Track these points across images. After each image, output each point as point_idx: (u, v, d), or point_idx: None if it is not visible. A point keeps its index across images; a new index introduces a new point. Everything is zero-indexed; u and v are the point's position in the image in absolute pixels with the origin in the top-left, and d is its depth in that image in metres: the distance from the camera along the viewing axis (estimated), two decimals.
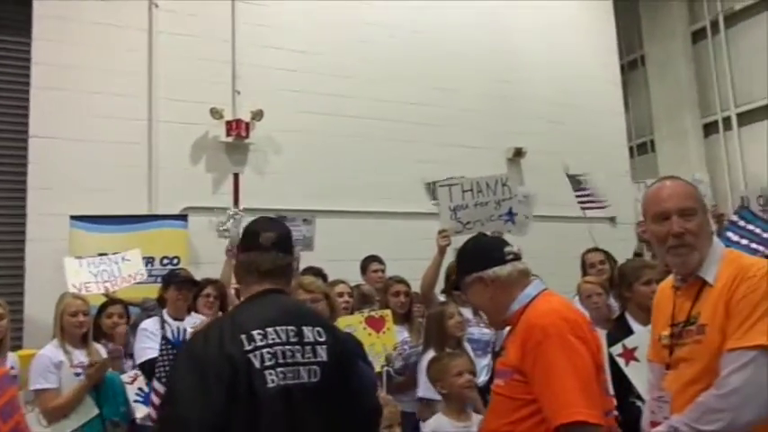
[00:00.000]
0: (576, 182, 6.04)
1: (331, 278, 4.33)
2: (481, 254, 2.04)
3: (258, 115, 6.12)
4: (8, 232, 5.31)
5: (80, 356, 3.42)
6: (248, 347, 1.66)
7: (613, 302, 3.71)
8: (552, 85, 7.76)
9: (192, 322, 3.82)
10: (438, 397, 3.00)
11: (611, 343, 2.69)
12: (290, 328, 1.75)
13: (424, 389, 3.33)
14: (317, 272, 4.32)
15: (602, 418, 1.72)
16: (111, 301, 4.17)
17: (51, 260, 4.55)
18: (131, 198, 5.59)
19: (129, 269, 4.53)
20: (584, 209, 6.02)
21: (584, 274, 4.52)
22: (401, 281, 4.16)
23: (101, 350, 3.60)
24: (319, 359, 1.77)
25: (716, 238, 1.91)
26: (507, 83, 7.55)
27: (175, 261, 5.12)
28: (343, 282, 4.09)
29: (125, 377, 3.53)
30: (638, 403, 2.41)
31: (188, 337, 3.18)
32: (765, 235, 4.23)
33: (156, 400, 2.94)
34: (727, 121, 8.82)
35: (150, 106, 5.89)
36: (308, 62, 6.49)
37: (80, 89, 5.61)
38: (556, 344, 1.75)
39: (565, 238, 6.35)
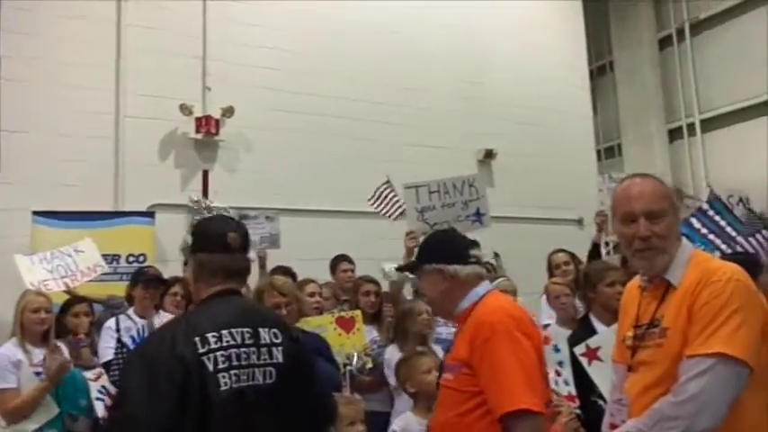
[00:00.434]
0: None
1: (300, 277, 4.31)
2: (448, 249, 2.12)
3: (228, 112, 6.05)
4: None
5: (40, 355, 3.32)
6: (202, 350, 1.65)
7: (578, 303, 3.78)
8: (523, 87, 7.85)
9: (161, 321, 3.77)
10: None
11: (574, 343, 2.74)
12: (245, 329, 1.75)
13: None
14: (286, 271, 4.30)
15: (543, 407, 1.83)
16: (75, 299, 4.08)
17: (12, 257, 4.42)
18: (97, 194, 5.47)
19: (86, 261, 4.40)
20: None
21: (551, 274, 4.60)
22: (371, 280, 4.18)
23: (63, 349, 3.51)
24: (275, 361, 1.77)
25: (684, 239, 1.86)
26: (478, 84, 7.61)
27: (141, 258, 5.04)
28: (313, 281, 4.08)
29: (89, 374, 3.46)
30: (600, 402, 2.44)
31: None
32: (729, 229, 4.13)
33: (108, 402, 2.91)
34: (691, 126, 9.05)
35: (118, 100, 5.78)
36: (279, 60, 6.44)
37: (47, 82, 5.48)
38: (503, 339, 1.86)
39: (531, 238, 6.45)
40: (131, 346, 3.65)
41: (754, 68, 7.90)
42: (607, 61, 10.08)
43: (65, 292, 4.19)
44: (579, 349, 2.69)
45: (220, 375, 1.65)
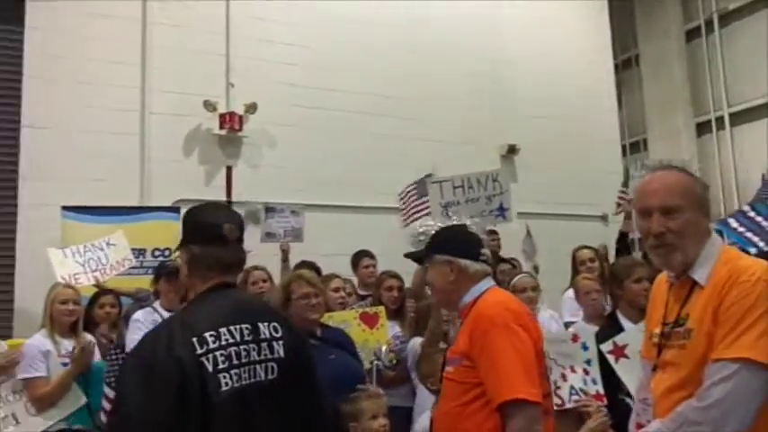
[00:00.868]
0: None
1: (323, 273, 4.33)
2: (461, 243, 2.17)
3: (252, 108, 6.10)
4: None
5: (68, 346, 3.40)
6: (200, 351, 1.60)
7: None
8: (546, 81, 7.77)
9: None
10: None
11: (601, 340, 2.70)
12: (244, 325, 1.70)
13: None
14: (310, 266, 4.31)
15: (541, 397, 1.87)
16: (102, 291, 4.15)
17: (42, 250, 4.52)
18: (123, 189, 5.56)
19: (117, 254, 4.50)
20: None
21: (575, 271, 4.55)
22: (394, 275, 4.16)
23: (90, 340, 3.58)
24: (276, 356, 1.73)
25: (714, 235, 1.77)
26: (501, 79, 7.55)
27: (167, 253, 5.10)
28: (337, 276, 4.09)
29: None
30: (628, 401, 2.41)
31: None
32: (766, 224, 4.01)
33: (107, 405, 2.86)
34: (719, 120, 8.86)
35: (143, 97, 5.86)
36: (302, 56, 6.47)
37: (73, 79, 5.58)
38: (501, 332, 1.92)
39: (555, 235, 6.38)
40: None
41: None
42: (632, 54, 9.91)
43: (94, 285, 4.27)
44: (606, 347, 2.66)
45: (221, 376, 1.60)
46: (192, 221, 1.85)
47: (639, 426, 1.78)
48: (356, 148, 6.57)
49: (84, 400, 3.31)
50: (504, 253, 5.08)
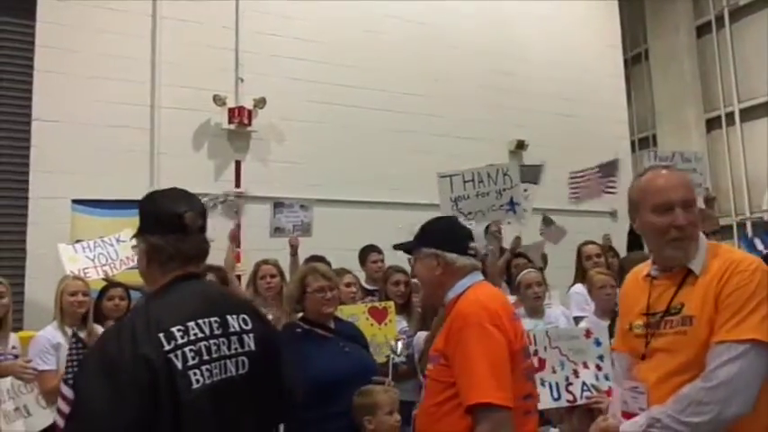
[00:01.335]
0: (611, 168, 5.45)
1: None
2: (449, 236, 2.11)
3: (261, 103, 6.11)
4: (10, 215, 5.32)
5: None
6: (168, 347, 1.49)
7: None
8: (555, 77, 7.74)
9: None
10: None
11: (613, 335, 2.70)
12: (213, 319, 1.60)
13: None
14: (320, 260, 4.32)
15: (510, 401, 1.82)
16: (111, 284, 4.18)
17: (53, 243, 4.54)
18: (133, 183, 5.57)
19: (127, 250, 4.51)
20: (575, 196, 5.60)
21: (580, 266, 4.55)
22: (401, 270, 4.17)
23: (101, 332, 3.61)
24: (247, 349, 1.65)
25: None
26: (509, 75, 7.53)
27: None
28: (349, 272, 4.11)
29: None
30: None
31: None
32: None
33: (63, 406, 2.55)
34: (730, 116, 8.80)
35: (153, 91, 5.88)
36: (311, 51, 6.47)
37: (83, 73, 5.60)
38: (474, 331, 1.87)
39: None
40: None
41: None
42: (642, 50, 9.86)
43: (103, 279, 4.30)
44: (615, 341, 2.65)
45: (191, 373, 1.50)
46: (150, 209, 1.73)
47: (628, 414, 1.79)
48: (365, 143, 6.57)
49: None
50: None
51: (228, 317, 1.65)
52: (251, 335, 1.67)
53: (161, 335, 1.50)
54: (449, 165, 4.95)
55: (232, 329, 1.64)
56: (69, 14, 5.63)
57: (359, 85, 6.61)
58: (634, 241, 4.68)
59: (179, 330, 1.52)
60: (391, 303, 3.82)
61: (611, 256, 4.85)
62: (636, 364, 1.83)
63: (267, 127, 6.23)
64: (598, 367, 2.59)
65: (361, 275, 4.74)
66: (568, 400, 2.33)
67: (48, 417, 3.26)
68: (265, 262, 4.30)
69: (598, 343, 2.54)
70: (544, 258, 5.14)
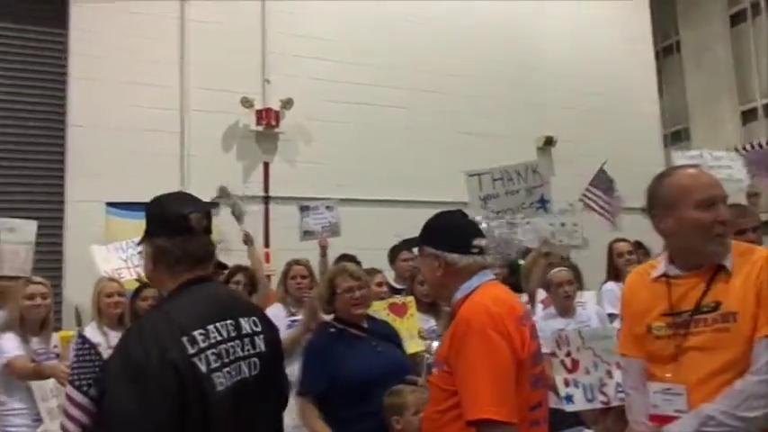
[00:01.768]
0: (604, 179, 5.68)
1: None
2: (448, 235, 1.98)
3: (288, 104, 6.16)
4: (47, 218, 5.46)
5: (117, 338, 3.50)
6: (192, 351, 1.51)
7: None
8: (583, 70, 7.62)
9: None
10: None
11: None
12: (228, 322, 1.64)
13: None
14: (350, 259, 4.34)
15: (513, 415, 1.70)
16: (145, 284, 4.26)
17: (88, 245, 4.67)
18: (164, 185, 5.62)
19: None
20: (588, 206, 5.59)
21: (612, 264, 4.49)
22: None
23: None
24: (257, 350, 1.69)
25: None
26: (536, 70, 7.44)
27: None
28: (379, 271, 4.11)
29: None
30: None
31: None
32: None
33: (73, 410, 2.23)
34: (766, 108, 8.56)
35: (182, 95, 5.98)
36: (336, 51, 6.50)
37: (115, 79, 5.73)
38: (476, 338, 1.74)
39: (595, 228, 6.26)
40: None
41: None
42: (673, 41, 9.65)
43: (136, 280, 4.39)
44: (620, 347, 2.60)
45: (214, 376, 1.53)
46: (156, 212, 1.74)
47: (658, 418, 1.75)
48: (392, 142, 6.58)
49: None
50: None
51: (241, 319, 1.68)
52: (261, 336, 1.71)
53: (184, 339, 1.52)
54: (476, 163, 4.91)
55: (245, 332, 1.67)
56: (100, 22, 5.76)
57: (384, 84, 6.61)
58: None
59: (200, 334, 1.55)
60: (411, 298, 3.82)
61: (641, 254, 4.77)
62: (658, 367, 1.79)
63: (294, 128, 6.27)
64: None
65: (391, 275, 4.74)
66: (602, 402, 2.29)
67: None
68: (297, 262, 4.33)
69: None
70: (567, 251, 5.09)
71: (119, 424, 1.43)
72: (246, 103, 6.03)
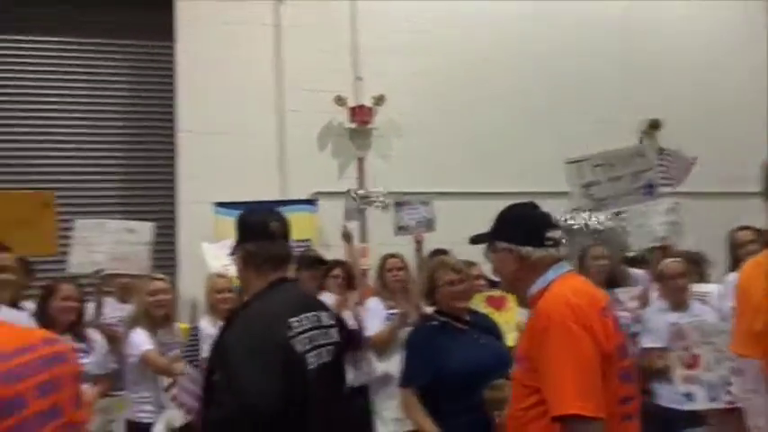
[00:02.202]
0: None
1: None
2: (523, 227, 1.96)
3: (380, 100, 6.22)
4: (162, 219, 5.86)
5: None
6: (290, 334, 1.85)
7: None
8: (691, 47, 7.11)
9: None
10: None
11: None
12: (312, 314, 1.97)
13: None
14: (444, 253, 4.32)
15: (601, 410, 1.63)
16: None
17: (199, 243, 5.00)
18: (266, 185, 5.93)
19: None
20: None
21: (733, 254, 4.16)
22: None
23: None
24: (333, 340, 2.01)
25: None
26: (640, 50, 7.01)
27: (308, 243, 5.37)
28: (475, 264, 4.08)
29: None
30: None
31: None
32: None
33: (188, 384, 3.11)
34: None
35: (279, 97, 6.20)
36: (426, 45, 6.47)
37: (218, 85, 6.03)
38: (557, 332, 1.69)
39: (710, 216, 5.84)
40: None
41: None
42: None
43: None
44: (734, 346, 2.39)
45: (308, 356, 1.86)
46: (242, 223, 2.08)
47: None
48: (485, 133, 6.48)
49: None
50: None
51: (320, 313, 2.02)
52: (335, 328, 2.05)
53: (284, 324, 1.86)
54: (575, 150, 4.72)
55: (324, 323, 2.00)
56: (202, 32, 6.08)
57: (477, 77, 6.51)
58: None
59: (296, 321, 1.89)
60: None
61: (762, 243, 4.39)
62: None
63: (387, 123, 6.32)
64: None
65: (488, 267, 4.67)
66: (727, 401, 2.13)
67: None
68: (392, 255, 4.39)
69: None
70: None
71: (245, 389, 1.70)
72: (340, 101, 6.15)
